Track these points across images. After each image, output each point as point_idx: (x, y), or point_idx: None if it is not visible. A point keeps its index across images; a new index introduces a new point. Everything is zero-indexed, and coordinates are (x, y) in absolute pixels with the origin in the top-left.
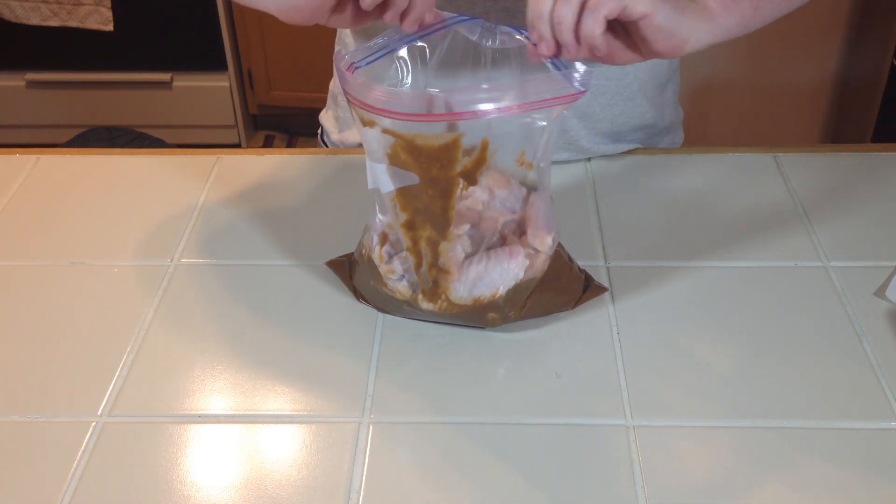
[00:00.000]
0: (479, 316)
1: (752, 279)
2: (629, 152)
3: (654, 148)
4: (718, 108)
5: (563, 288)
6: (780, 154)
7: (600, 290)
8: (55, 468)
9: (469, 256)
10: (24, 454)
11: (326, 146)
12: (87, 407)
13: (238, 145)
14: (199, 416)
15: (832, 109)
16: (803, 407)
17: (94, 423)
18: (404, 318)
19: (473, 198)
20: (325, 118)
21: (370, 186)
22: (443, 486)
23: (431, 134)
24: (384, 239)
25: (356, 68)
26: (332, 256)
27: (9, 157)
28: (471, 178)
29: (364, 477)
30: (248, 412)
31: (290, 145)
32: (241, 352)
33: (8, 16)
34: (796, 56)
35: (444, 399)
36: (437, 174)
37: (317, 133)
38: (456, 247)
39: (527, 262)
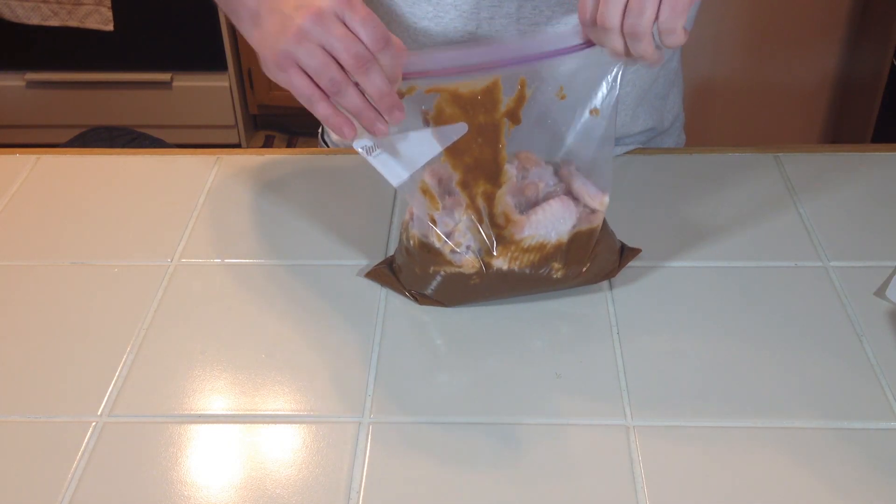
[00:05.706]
0: (546, 267)
1: (752, 279)
2: (629, 152)
3: (655, 148)
4: (718, 108)
5: (612, 246)
6: (780, 154)
7: (634, 252)
8: (55, 468)
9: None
10: (24, 454)
11: (327, 146)
12: (87, 407)
13: (238, 145)
14: (199, 416)
15: (832, 109)
16: (803, 407)
17: (94, 423)
18: (470, 306)
19: (508, 174)
20: None
21: (397, 182)
22: (443, 486)
23: (472, 80)
24: (433, 220)
25: None
26: (332, 256)
27: (9, 157)
28: (514, 117)
29: (364, 477)
30: (248, 412)
31: (290, 145)
32: (241, 352)
33: (8, 16)
34: (796, 56)
35: (444, 399)
36: (483, 120)
37: (317, 133)
38: (509, 193)
39: (578, 211)
